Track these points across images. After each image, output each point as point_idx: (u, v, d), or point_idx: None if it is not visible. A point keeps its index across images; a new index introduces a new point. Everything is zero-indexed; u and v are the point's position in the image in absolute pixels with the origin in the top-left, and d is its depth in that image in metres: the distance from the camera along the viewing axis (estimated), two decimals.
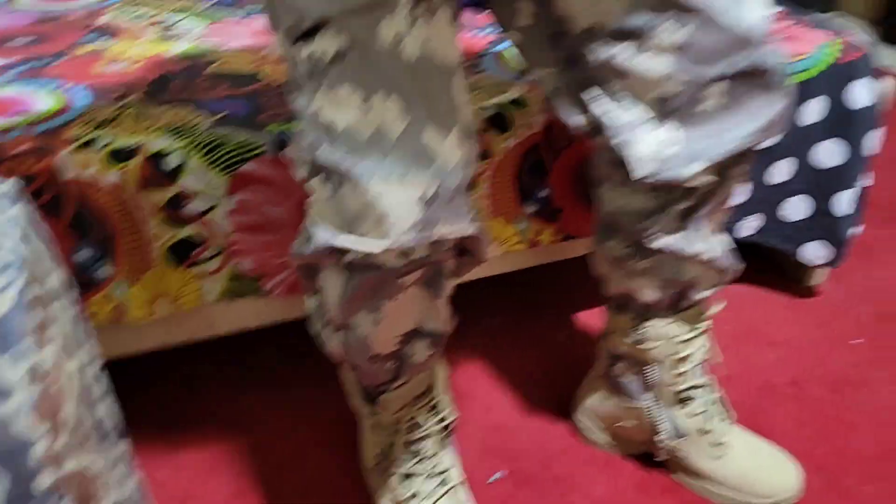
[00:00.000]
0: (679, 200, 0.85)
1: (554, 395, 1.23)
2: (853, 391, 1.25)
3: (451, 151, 0.73)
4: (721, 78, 0.75)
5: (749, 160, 0.84)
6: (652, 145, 0.79)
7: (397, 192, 0.70)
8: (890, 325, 1.39)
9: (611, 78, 0.78)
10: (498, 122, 1.10)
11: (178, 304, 1.05)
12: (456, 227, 0.75)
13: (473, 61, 1.22)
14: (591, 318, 1.40)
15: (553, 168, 1.16)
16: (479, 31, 1.34)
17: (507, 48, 1.26)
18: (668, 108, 0.77)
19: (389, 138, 0.70)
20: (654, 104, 0.78)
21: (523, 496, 1.08)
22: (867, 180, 1.30)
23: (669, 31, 0.73)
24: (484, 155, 1.11)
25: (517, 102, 1.11)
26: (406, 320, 0.84)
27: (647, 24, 0.73)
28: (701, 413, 1.02)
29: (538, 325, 1.39)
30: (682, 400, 1.01)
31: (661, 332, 0.97)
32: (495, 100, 1.11)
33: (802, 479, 1.06)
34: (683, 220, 0.87)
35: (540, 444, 1.16)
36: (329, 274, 0.80)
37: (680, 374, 0.99)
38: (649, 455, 1.09)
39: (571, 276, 1.50)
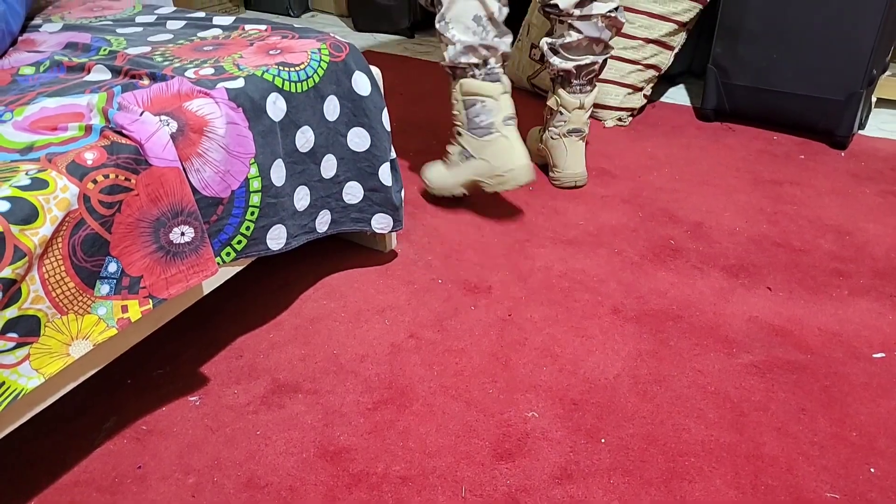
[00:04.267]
0: None
1: None
2: (453, 322, 1.27)
3: None
4: None
5: None
6: None
7: None
8: (453, 259, 1.45)
9: None
10: (20, 213, 0.81)
11: None
12: None
13: None
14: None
15: (113, 236, 0.91)
16: None
17: None
18: None
19: None
20: None
21: None
22: (393, 152, 1.31)
23: None
24: (19, 255, 0.81)
25: (38, 182, 0.83)
26: None
27: None
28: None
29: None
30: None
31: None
32: (10, 186, 0.81)
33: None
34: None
35: None
36: None
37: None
38: None
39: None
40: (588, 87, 1.63)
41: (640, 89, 2.04)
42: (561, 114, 1.64)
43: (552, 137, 1.68)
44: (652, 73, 2.03)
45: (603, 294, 1.35)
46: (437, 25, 1.46)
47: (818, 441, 1.03)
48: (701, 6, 1.99)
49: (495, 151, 1.48)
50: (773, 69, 1.88)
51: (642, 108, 2.12)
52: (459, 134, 1.54)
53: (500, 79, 1.48)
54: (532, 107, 2.13)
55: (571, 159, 1.67)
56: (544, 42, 1.62)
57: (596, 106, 2.04)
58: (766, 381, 1.14)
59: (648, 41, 1.99)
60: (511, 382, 1.14)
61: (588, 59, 1.58)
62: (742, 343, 1.22)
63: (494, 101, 1.47)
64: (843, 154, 1.87)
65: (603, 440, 1.04)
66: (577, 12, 1.53)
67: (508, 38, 1.46)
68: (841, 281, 1.38)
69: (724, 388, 1.13)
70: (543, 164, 1.77)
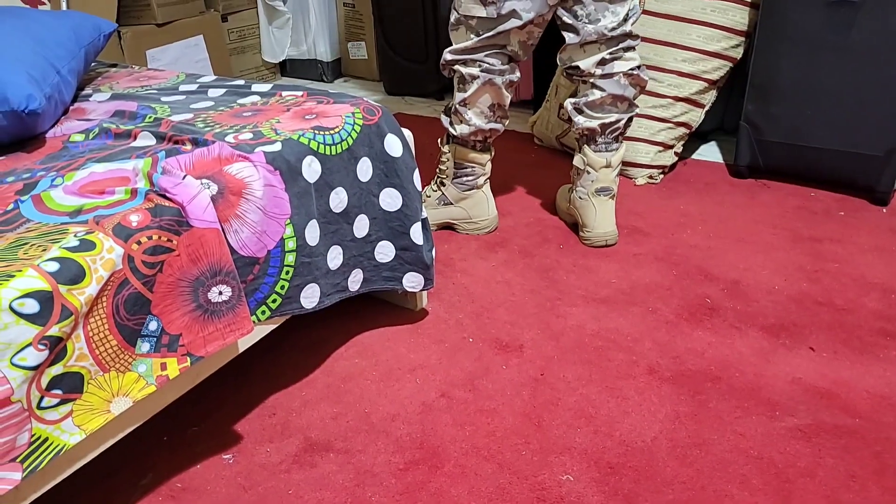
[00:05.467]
0: None
1: None
2: (484, 382, 1.28)
3: None
4: None
5: None
6: None
7: None
8: (484, 318, 1.47)
9: None
10: (68, 273, 0.86)
11: None
12: None
13: (8, 216, 0.96)
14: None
15: (154, 295, 0.96)
16: None
17: (45, 190, 1.02)
18: None
19: None
20: None
21: None
22: (424, 211, 1.36)
23: None
24: (66, 314, 0.86)
25: (86, 244, 0.89)
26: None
27: None
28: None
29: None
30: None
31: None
32: (60, 247, 0.87)
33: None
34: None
35: None
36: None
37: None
38: None
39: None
40: (614, 146, 1.68)
41: (671, 147, 2.08)
42: (588, 173, 1.68)
43: (580, 197, 1.72)
44: (683, 130, 2.07)
45: (638, 354, 1.35)
46: (457, 106, 1.68)
47: None
48: (731, 64, 2.04)
49: (473, 203, 1.78)
50: (808, 125, 1.90)
51: (673, 166, 2.15)
52: (443, 184, 1.79)
53: (490, 148, 1.75)
54: (560, 165, 2.18)
55: (601, 218, 1.70)
56: (568, 102, 1.68)
57: (626, 164, 2.08)
58: (812, 445, 1.12)
59: (678, 99, 2.04)
60: (545, 444, 1.14)
61: (613, 117, 1.64)
62: (785, 406, 1.21)
63: (482, 167, 1.75)
64: (884, 210, 1.87)
65: None
66: (598, 71, 1.59)
67: (507, 121, 1.72)
68: (888, 341, 1.36)
69: (767, 453, 1.11)
70: (573, 223, 1.80)
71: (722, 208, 1.90)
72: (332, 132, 1.23)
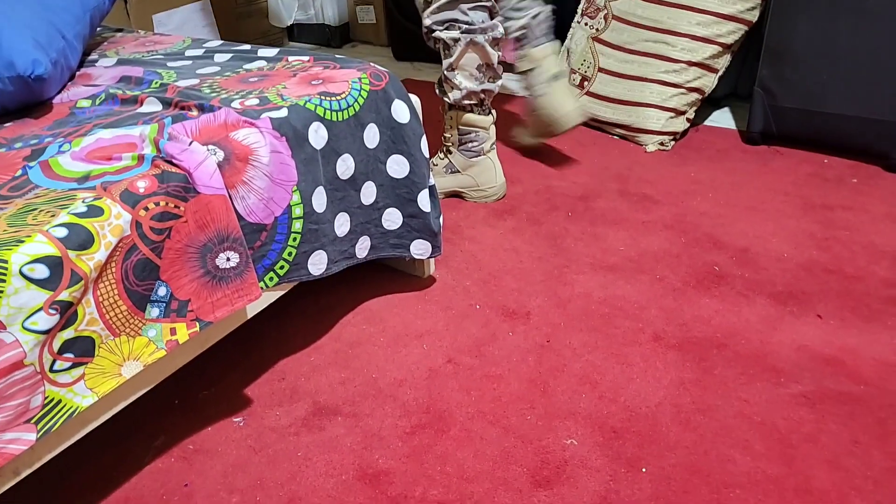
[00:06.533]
0: None
1: None
2: (491, 348, 1.29)
3: None
4: None
5: None
6: None
7: None
8: (491, 285, 1.47)
9: None
10: (77, 239, 0.87)
11: None
12: None
13: (16, 182, 0.96)
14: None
15: (163, 261, 0.96)
16: (6, 147, 1.07)
17: (53, 156, 1.02)
18: None
19: None
20: None
21: None
22: (432, 178, 1.35)
23: None
24: (76, 279, 0.87)
25: (94, 210, 0.89)
26: None
27: None
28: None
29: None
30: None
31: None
32: (68, 213, 0.87)
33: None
34: None
35: None
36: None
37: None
38: None
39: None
40: (550, 37, 1.77)
41: (683, 113, 2.05)
42: (538, 67, 1.76)
43: (539, 93, 1.78)
44: (695, 96, 2.04)
45: (644, 321, 1.35)
46: (446, 73, 1.68)
47: (872, 475, 1.01)
48: (746, 28, 2.00)
49: (481, 170, 1.78)
50: (824, 91, 1.87)
51: (685, 132, 2.13)
52: (450, 152, 1.78)
53: (491, 111, 1.75)
54: (570, 132, 2.16)
55: (560, 98, 1.76)
56: (496, 21, 1.71)
57: (637, 130, 2.05)
58: (816, 412, 1.13)
59: (692, 64, 2.00)
60: (549, 409, 1.16)
61: (535, 10, 1.75)
62: (790, 373, 1.21)
63: (486, 131, 1.74)
64: None
65: (644, 469, 1.04)
66: None
67: (500, 81, 1.72)
68: None
69: (771, 419, 1.12)
70: (539, 145, 1.80)
71: (733, 175, 1.88)
72: (338, 98, 1.22)
